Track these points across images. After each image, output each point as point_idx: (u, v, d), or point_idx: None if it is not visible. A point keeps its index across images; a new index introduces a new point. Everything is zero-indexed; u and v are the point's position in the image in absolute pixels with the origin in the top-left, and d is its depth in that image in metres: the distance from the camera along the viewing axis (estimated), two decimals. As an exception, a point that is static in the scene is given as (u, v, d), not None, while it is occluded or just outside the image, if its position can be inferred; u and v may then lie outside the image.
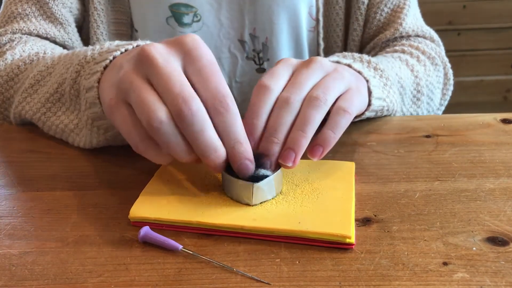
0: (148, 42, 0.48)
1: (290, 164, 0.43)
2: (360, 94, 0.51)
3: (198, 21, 0.74)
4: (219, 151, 0.40)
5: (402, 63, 0.68)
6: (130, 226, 0.42)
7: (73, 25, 0.73)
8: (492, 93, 2.15)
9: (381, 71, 0.60)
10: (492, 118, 0.61)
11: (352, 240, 0.39)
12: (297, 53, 0.78)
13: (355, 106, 0.48)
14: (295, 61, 0.50)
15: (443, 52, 0.78)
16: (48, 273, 0.37)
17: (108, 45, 0.50)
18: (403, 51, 0.72)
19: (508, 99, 2.16)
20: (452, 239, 0.39)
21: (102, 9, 0.72)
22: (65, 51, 0.59)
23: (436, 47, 0.77)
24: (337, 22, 0.78)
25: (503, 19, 2.03)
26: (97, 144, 0.51)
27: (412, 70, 0.68)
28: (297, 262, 0.37)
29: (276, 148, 0.44)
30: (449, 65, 0.76)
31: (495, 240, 0.39)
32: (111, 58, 0.46)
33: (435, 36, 0.79)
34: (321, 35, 0.77)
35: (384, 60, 0.67)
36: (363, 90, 0.53)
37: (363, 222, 0.42)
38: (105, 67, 0.46)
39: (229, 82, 0.78)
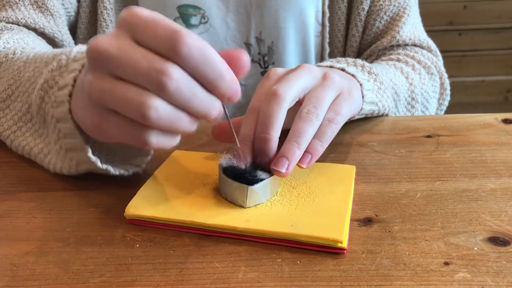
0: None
1: (283, 171, 0.42)
2: (351, 99, 0.51)
3: (206, 23, 0.74)
4: (217, 104, 0.37)
5: (396, 70, 0.69)
6: (132, 226, 0.42)
7: (64, 18, 0.72)
8: (493, 93, 2.15)
9: (375, 75, 0.60)
10: (493, 118, 0.61)
11: (344, 245, 0.38)
12: (303, 58, 0.78)
13: (344, 114, 0.48)
14: (282, 70, 0.50)
15: (440, 63, 0.78)
16: (49, 273, 0.37)
17: (66, 60, 0.45)
18: (398, 60, 0.73)
19: (509, 99, 2.16)
20: (453, 239, 0.39)
21: (112, 9, 0.72)
22: (31, 55, 0.53)
23: (433, 57, 0.77)
24: (338, 28, 0.78)
25: (503, 20, 2.03)
26: (68, 173, 0.47)
27: (406, 78, 0.68)
28: (298, 262, 0.37)
29: (269, 145, 0.43)
30: (446, 75, 0.77)
31: (497, 240, 0.39)
32: (72, 83, 0.43)
33: (433, 46, 0.80)
34: (327, 40, 0.78)
35: (378, 66, 0.67)
36: (356, 93, 0.52)
37: (364, 222, 0.42)
38: (70, 95, 0.42)
39: None
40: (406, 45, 0.77)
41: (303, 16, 0.75)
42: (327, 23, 0.77)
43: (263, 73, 0.78)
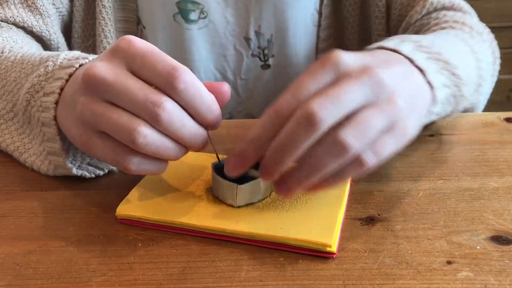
0: (89, 57, 0.46)
1: (282, 195, 0.38)
2: (403, 136, 0.38)
3: (205, 18, 0.74)
4: (203, 133, 0.40)
5: (462, 45, 0.57)
6: (134, 225, 0.42)
7: (54, 17, 0.72)
8: (495, 92, 2.13)
9: (446, 63, 0.48)
10: (495, 117, 0.61)
11: (333, 249, 0.37)
12: (304, 49, 0.78)
13: (383, 158, 0.38)
14: (345, 65, 0.37)
15: (482, 25, 0.67)
16: (52, 272, 0.37)
17: (52, 67, 0.47)
18: (453, 28, 0.61)
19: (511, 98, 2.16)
20: (456, 238, 0.39)
21: (110, 7, 0.72)
22: (19, 55, 0.55)
23: (478, 22, 0.67)
24: (350, 13, 0.75)
25: (505, 18, 2.03)
26: (45, 173, 0.49)
27: (472, 51, 0.57)
28: (301, 261, 0.37)
29: (277, 169, 0.37)
30: (495, 40, 0.67)
31: (499, 239, 0.39)
32: (59, 91, 0.44)
33: (469, 8, 0.69)
34: (322, 27, 0.77)
35: (441, 43, 0.52)
36: (412, 126, 0.40)
37: (366, 221, 0.42)
38: (56, 103, 0.45)
39: (234, 79, 0.78)
40: (444, 8, 0.67)
41: (302, 7, 0.75)
42: (323, 10, 0.75)
43: (263, 66, 0.77)
